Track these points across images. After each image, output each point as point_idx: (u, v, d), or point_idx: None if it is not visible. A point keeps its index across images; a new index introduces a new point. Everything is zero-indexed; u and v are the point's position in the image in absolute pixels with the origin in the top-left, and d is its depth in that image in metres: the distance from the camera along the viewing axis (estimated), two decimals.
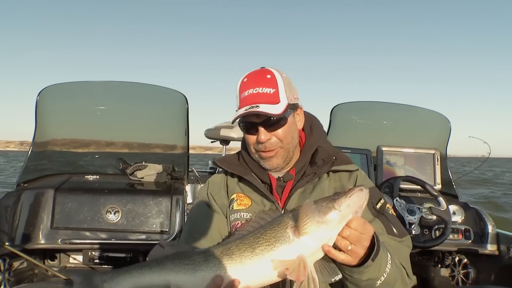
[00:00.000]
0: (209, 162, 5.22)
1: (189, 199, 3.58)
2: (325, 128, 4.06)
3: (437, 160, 3.99)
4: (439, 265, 4.10)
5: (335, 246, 1.27)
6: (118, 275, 1.26)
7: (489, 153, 4.12)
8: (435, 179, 3.96)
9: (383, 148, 3.95)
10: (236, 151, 1.94)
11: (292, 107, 1.69)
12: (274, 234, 1.24)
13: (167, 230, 3.32)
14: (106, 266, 3.63)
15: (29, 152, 3.67)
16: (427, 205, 3.56)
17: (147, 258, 1.33)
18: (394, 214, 1.77)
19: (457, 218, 3.76)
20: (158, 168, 3.81)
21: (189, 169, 3.84)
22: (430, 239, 3.52)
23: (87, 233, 3.27)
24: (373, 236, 1.33)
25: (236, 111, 1.68)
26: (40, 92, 3.55)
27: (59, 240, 3.21)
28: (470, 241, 3.68)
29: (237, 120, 1.69)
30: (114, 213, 3.33)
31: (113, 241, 3.28)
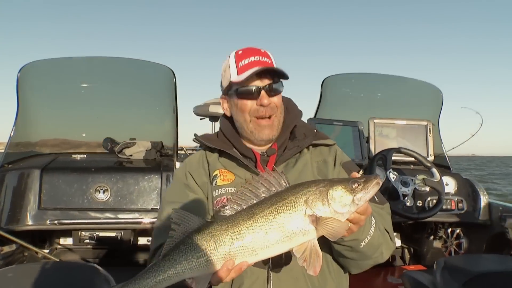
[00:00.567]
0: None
1: None
2: (317, 101, 4.04)
3: (430, 131, 3.96)
4: (432, 237, 4.12)
5: None
6: (135, 284, 1.23)
7: (481, 124, 4.10)
8: (428, 150, 3.93)
9: (375, 120, 3.91)
10: None
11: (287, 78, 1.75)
12: (288, 218, 1.20)
13: (158, 207, 3.25)
14: (97, 246, 3.57)
15: (12, 132, 3.55)
16: (420, 176, 3.53)
17: (163, 250, 1.28)
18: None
19: (450, 189, 3.75)
20: (147, 145, 3.73)
21: (178, 146, 3.76)
22: (423, 210, 3.51)
23: (76, 213, 3.20)
24: None
25: (232, 81, 1.69)
26: (21, 68, 3.42)
27: (48, 221, 3.14)
28: (463, 211, 3.68)
29: (230, 91, 1.73)
30: (103, 192, 3.26)
31: (103, 220, 3.21)
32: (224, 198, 1.67)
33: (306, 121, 3.67)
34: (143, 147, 3.71)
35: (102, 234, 3.41)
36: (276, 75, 1.69)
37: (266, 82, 1.66)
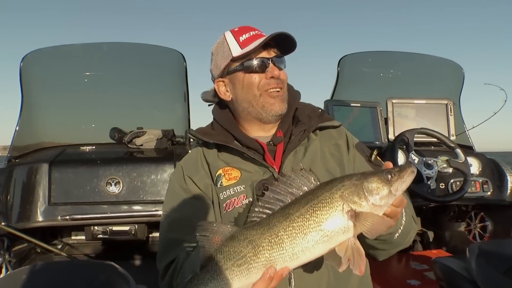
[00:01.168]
0: None
1: None
2: (333, 81, 3.88)
3: (450, 110, 3.80)
4: (455, 220, 3.99)
5: None
6: None
7: (505, 100, 3.93)
8: (449, 130, 3.78)
9: (393, 101, 3.76)
10: None
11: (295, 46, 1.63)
12: (326, 217, 1.12)
13: None
14: (110, 241, 3.46)
15: (17, 125, 3.41)
16: (443, 158, 3.38)
17: (199, 259, 1.17)
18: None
19: (474, 170, 3.60)
20: (158, 133, 3.58)
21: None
22: (447, 193, 3.38)
23: (88, 207, 3.08)
24: None
25: (234, 56, 1.55)
26: (24, 58, 3.26)
27: (59, 216, 3.02)
28: (488, 193, 3.54)
29: (235, 66, 1.57)
30: (115, 184, 3.13)
31: (116, 214, 3.09)
32: (234, 200, 1.51)
33: (322, 103, 3.54)
34: (153, 136, 3.57)
35: (115, 228, 3.29)
36: (283, 47, 1.58)
37: (272, 54, 1.56)
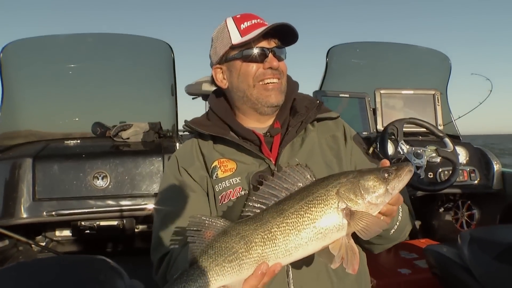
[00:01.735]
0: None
1: None
2: (322, 72, 3.87)
3: (438, 101, 3.83)
4: (442, 209, 4.03)
5: None
6: None
7: (491, 91, 3.99)
8: (436, 120, 3.82)
9: (382, 91, 3.77)
10: None
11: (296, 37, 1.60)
12: (321, 214, 1.11)
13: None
14: (97, 236, 3.37)
15: None
16: (431, 147, 3.40)
17: (188, 255, 1.14)
18: None
19: (461, 159, 3.64)
20: (144, 126, 3.51)
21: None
22: (435, 182, 3.40)
23: (74, 203, 2.99)
24: None
25: (233, 44, 1.51)
26: (3, 48, 3.14)
27: (44, 212, 2.93)
28: (475, 182, 3.58)
29: (234, 53, 1.54)
30: (102, 178, 3.05)
31: (103, 208, 3.02)
32: (230, 192, 1.48)
33: (311, 95, 3.52)
34: (140, 129, 3.50)
35: (103, 223, 3.21)
36: (284, 38, 1.54)
37: (273, 44, 1.52)
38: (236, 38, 1.51)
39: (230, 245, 1.10)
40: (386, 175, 1.12)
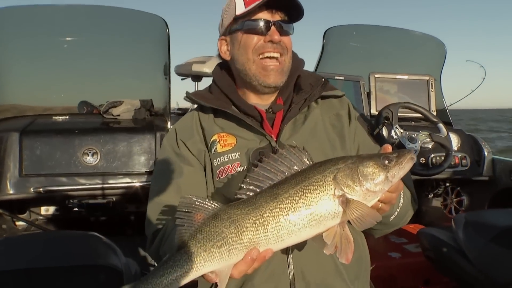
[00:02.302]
0: (176, 102, 4.77)
1: None
2: (317, 53, 3.83)
3: (431, 86, 3.83)
4: (431, 195, 4.06)
5: None
6: (148, 284, 1.05)
7: (484, 78, 4.01)
8: (430, 106, 3.83)
9: (376, 75, 3.75)
10: None
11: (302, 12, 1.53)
12: (316, 200, 1.07)
13: (152, 170, 2.99)
14: (86, 214, 3.29)
15: None
16: (424, 132, 3.41)
17: (176, 238, 1.10)
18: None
19: (453, 145, 3.65)
20: (135, 103, 3.42)
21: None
22: (428, 167, 3.42)
23: (63, 179, 2.91)
24: None
25: (237, 14, 1.46)
26: None
27: (31, 188, 2.84)
28: (466, 168, 3.61)
29: (233, 27, 1.50)
30: (92, 155, 2.97)
31: (93, 185, 2.94)
32: (228, 167, 1.45)
33: None
34: (131, 106, 3.40)
35: (92, 201, 3.12)
36: (290, 12, 1.48)
37: (277, 17, 1.46)
38: (240, 8, 1.45)
39: (220, 230, 1.06)
40: (386, 162, 1.08)
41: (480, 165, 3.61)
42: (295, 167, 1.13)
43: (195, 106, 1.65)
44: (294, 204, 1.07)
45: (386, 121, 3.31)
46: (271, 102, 1.55)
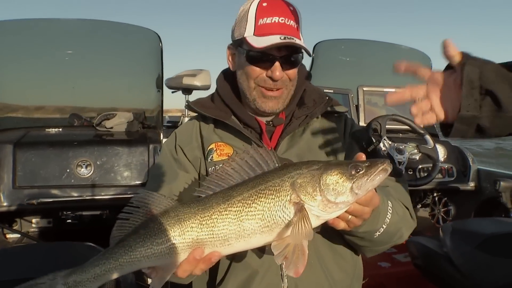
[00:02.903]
0: (166, 117, 4.81)
1: None
2: (307, 66, 3.90)
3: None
4: (419, 205, 4.14)
5: None
6: (82, 272, 1.04)
7: None
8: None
9: (364, 88, 3.85)
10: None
11: (308, 54, 1.51)
12: (270, 206, 1.01)
13: (146, 182, 3.02)
14: (79, 226, 3.30)
15: None
16: (411, 144, 3.50)
17: (113, 230, 1.10)
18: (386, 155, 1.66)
19: (440, 156, 3.74)
20: (128, 116, 3.45)
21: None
22: (416, 178, 3.50)
23: (57, 191, 2.91)
24: None
25: (245, 38, 1.43)
26: None
27: (25, 200, 2.83)
28: (453, 178, 3.70)
29: (240, 47, 1.47)
30: (86, 167, 2.99)
31: (86, 197, 2.95)
32: None
33: None
34: (124, 119, 3.44)
35: (85, 213, 3.14)
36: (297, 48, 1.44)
37: (283, 52, 1.42)
38: (250, 33, 1.43)
39: (163, 227, 1.03)
40: (353, 171, 1.00)
41: (466, 175, 3.71)
42: (259, 169, 1.08)
43: (186, 119, 1.66)
44: (246, 208, 1.01)
45: (374, 133, 3.40)
46: (274, 115, 1.54)
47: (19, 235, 3.46)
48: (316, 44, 3.77)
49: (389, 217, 1.29)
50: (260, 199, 1.01)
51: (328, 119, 1.60)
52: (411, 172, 3.59)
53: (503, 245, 2.34)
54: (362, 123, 3.74)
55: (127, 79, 3.70)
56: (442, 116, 1.12)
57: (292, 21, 1.43)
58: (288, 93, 1.49)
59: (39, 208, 2.89)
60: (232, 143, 1.49)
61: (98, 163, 3.01)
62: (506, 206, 3.39)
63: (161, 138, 3.26)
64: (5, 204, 2.82)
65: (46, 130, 3.37)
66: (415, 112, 1.11)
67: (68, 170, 2.96)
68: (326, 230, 1.39)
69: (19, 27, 3.27)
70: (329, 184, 0.99)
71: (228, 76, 1.62)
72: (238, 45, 1.50)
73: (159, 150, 3.06)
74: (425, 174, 3.43)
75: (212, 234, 1.02)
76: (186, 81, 4.45)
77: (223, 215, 1.02)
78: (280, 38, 1.37)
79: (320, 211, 1.00)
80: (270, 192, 1.01)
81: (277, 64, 1.41)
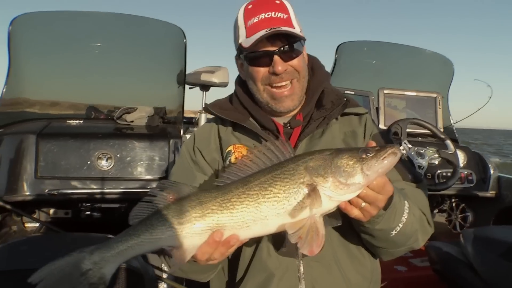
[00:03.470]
0: None
1: None
2: (328, 68, 3.90)
3: (439, 103, 3.90)
4: (436, 210, 4.10)
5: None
6: (106, 248, 1.10)
7: (490, 97, 4.08)
8: (437, 123, 3.88)
9: (385, 91, 3.82)
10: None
11: (303, 39, 1.49)
12: (285, 188, 1.05)
13: (165, 176, 3.02)
14: (96, 217, 3.31)
15: (2, 92, 3.20)
16: (431, 148, 3.47)
17: (133, 209, 1.17)
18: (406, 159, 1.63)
19: (460, 162, 3.70)
20: (149, 110, 3.46)
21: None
22: (434, 183, 3.46)
23: (77, 183, 2.92)
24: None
25: (240, 43, 1.46)
26: (12, 20, 3.04)
27: (46, 190, 2.85)
28: (472, 185, 3.65)
29: (241, 55, 1.50)
30: (106, 160, 2.99)
31: (106, 190, 2.95)
32: None
33: None
34: (145, 113, 3.44)
35: (104, 205, 3.15)
36: (292, 34, 1.43)
37: (279, 44, 1.41)
38: (242, 38, 1.46)
39: (185, 209, 1.09)
40: (363, 155, 1.04)
41: (486, 182, 3.66)
42: (275, 160, 1.13)
43: (203, 115, 1.68)
44: (262, 192, 1.06)
45: (395, 136, 3.38)
46: (292, 117, 1.54)
47: (37, 225, 3.49)
48: (339, 45, 3.76)
49: (405, 217, 1.29)
50: (276, 183, 1.06)
51: (348, 120, 1.58)
52: (430, 177, 3.56)
53: None
54: (382, 126, 3.71)
55: (150, 73, 3.71)
56: None
57: (279, 13, 1.44)
58: (300, 86, 1.49)
59: (59, 198, 2.91)
60: (249, 145, 1.49)
61: (118, 156, 3.02)
62: None
63: (181, 133, 3.27)
64: (27, 193, 2.84)
65: (68, 121, 3.39)
66: None
67: (88, 162, 2.97)
68: (344, 233, 1.43)
69: (47, 18, 3.29)
70: (339, 166, 1.03)
71: (245, 81, 1.61)
72: (240, 53, 1.52)
73: (180, 146, 3.07)
74: (445, 179, 3.40)
75: (232, 216, 1.07)
76: (204, 77, 4.45)
77: (241, 198, 1.07)
78: (265, 31, 1.38)
79: (332, 192, 1.04)
80: (285, 176, 1.07)
81: (275, 58, 1.40)
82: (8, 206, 2.60)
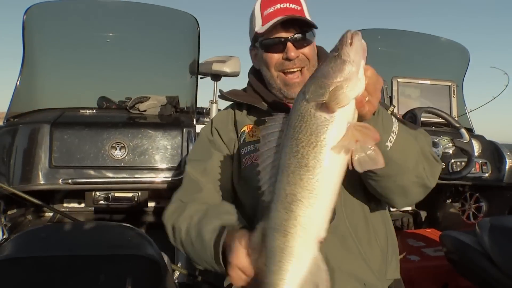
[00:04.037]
0: None
1: None
2: None
3: (454, 92, 3.86)
4: (449, 200, 4.07)
5: None
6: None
7: (507, 85, 4.02)
8: (451, 111, 3.84)
9: (399, 79, 3.79)
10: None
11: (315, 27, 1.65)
12: (308, 131, 1.00)
13: (178, 165, 3.02)
14: (110, 208, 3.33)
15: (18, 82, 3.22)
16: (446, 137, 3.43)
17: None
18: None
19: (474, 151, 3.66)
20: (162, 99, 3.45)
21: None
22: (449, 172, 3.43)
23: (91, 172, 2.94)
24: None
25: (256, 32, 1.63)
26: (27, 10, 3.05)
27: (60, 180, 2.86)
28: (487, 174, 3.62)
29: (256, 43, 1.67)
30: (120, 149, 2.99)
31: (120, 179, 2.97)
32: (253, 155, 1.57)
33: None
34: (157, 102, 3.43)
35: (118, 194, 3.17)
36: (304, 24, 1.59)
37: (292, 32, 1.57)
38: (258, 26, 1.60)
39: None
40: (334, 53, 1.04)
41: (501, 172, 3.62)
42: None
43: (214, 105, 1.81)
44: (300, 159, 1.01)
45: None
46: None
47: (51, 214, 3.53)
48: None
49: (396, 127, 1.28)
50: (299, 139, 1.01)
51: None
52: (444, 166, 3.52)
53: None
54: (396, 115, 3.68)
55: (163, 62, 3.71)
56: None
57: (293, 4, 1.59)
58: (310, 74, 1.50)
59: (73, 188, 2.93)
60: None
61: (131, 145, 3.02)
62: None
63: (194, 123, 3.27)
64: (42, 182, 2.85)
65: (81, 111, 3.40)
66: None
67: (102, 152, 2.98)
68: (358, 205, 1.54)
69: (61, 8, 3.29)
70: (326, 74, 1.01)
71: (257, 71, 1.77)
72: (254, 43, 1.69)
73: (193, 135, 3.07)
74: (459, 169, 3.37)
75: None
76: (216, 67, 4.43)
77: (290, 178, 1.03)
78: (281, 18, 1.53)
79: (345, 95, 0.99)
80: (299, 124, 1.01)
81: (289, 44, 1.55)
82: (23, 195, 2.61)
